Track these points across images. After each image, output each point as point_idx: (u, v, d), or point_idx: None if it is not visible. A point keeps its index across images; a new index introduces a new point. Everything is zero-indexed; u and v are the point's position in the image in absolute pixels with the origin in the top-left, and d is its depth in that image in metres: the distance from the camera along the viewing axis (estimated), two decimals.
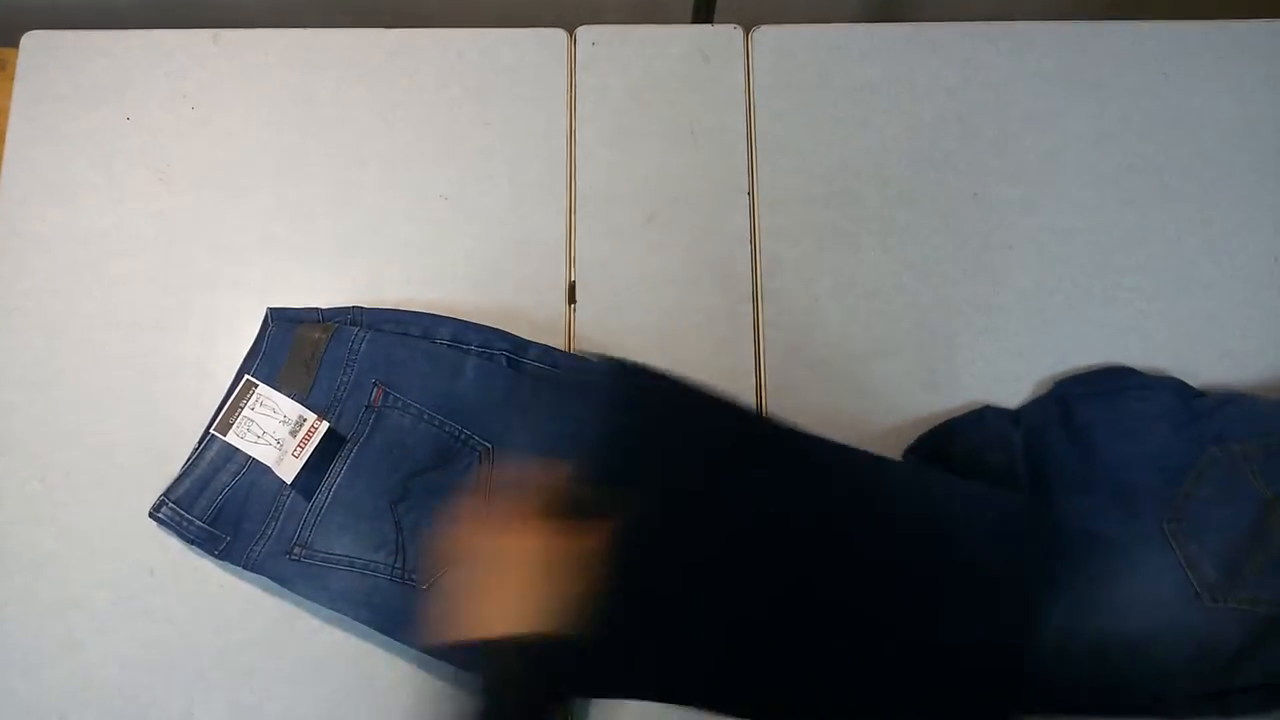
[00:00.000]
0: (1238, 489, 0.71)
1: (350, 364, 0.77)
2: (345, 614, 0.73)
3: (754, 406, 0.77)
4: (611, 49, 0.89)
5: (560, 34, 0.90)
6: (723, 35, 0.90)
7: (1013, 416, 0.77)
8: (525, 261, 0.83)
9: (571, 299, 0.83)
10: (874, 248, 0.84)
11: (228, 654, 0.74)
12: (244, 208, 0.85)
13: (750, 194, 0.86)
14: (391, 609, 0.72)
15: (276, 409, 0.76)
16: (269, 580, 0.73)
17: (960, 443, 0.76)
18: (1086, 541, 0.71)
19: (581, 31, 0.90)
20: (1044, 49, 0.89)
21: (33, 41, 0.89)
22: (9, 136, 0.86)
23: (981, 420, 0.77)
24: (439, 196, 0.85)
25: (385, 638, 0.73)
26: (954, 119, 0.87)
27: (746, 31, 0.90)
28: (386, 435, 0.76)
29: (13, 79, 0.88)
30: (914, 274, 0.83)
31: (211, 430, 0.76)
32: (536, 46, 0.89)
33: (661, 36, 0.90)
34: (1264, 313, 0.83)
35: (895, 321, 0.82)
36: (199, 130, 0.87)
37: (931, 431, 0.77)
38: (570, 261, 0.84)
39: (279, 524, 0.74)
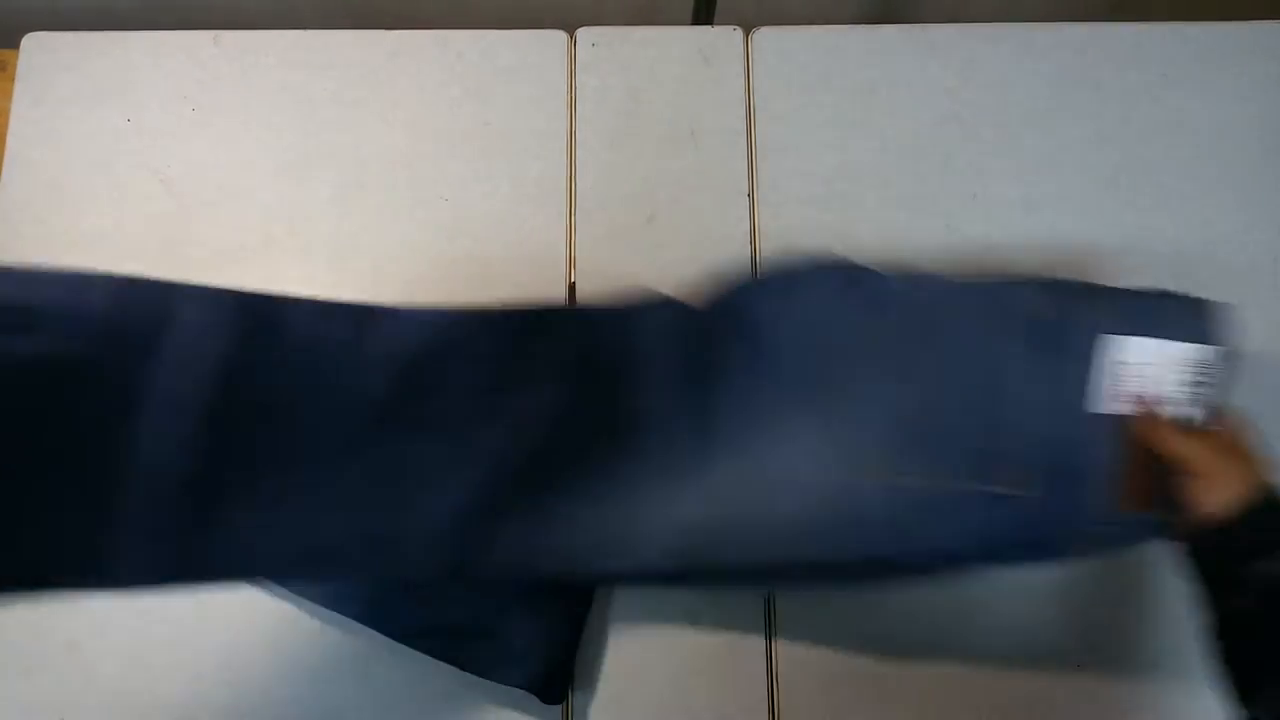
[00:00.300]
0: (891, 364, 0.70)
1: None
2: (345, 614, 0.73)
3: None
4: (611, 50, 0.89)
5: (560, 35, 0.90)
6: (723, 37, 0.90)
7: (680, 304, 0.75)
8: (525, 262, 0.83)
9: (572, 299, 0.83)
10: (874, 248, 0.84)
11: (228, 654, 0.74)
12: (244, 208, 0.85)
13: (750, 195, 0.86)
14: (391, 609, 0.72)
15: None
16: (270, 581, 0.73)
17: (628, 321, 0.74)
18: (745, 419, 0.70)
19: (581, 33, 0.90)
20: (1044, 50, 0.89)
21: (33, 43, 0.89)
22: (9, 138, 0.86)
23: (650, 304, 0.74)
24: (439, 197, 0.85)
25: (385, 638, 0.73)
26: (954, 119, 0.87)
27: (746, 33, 0.90)
28: None
29: (13, 80, 0.88)
30: None
31: None
32: (537, 47, 0.89)
33: (661, 38, 0.90)
34: (1264, 312, 0.82)
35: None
36: (199, 131, 0.87)
37: (598, 309, 0.75)
38: (570, 262, 0.84)
39: None
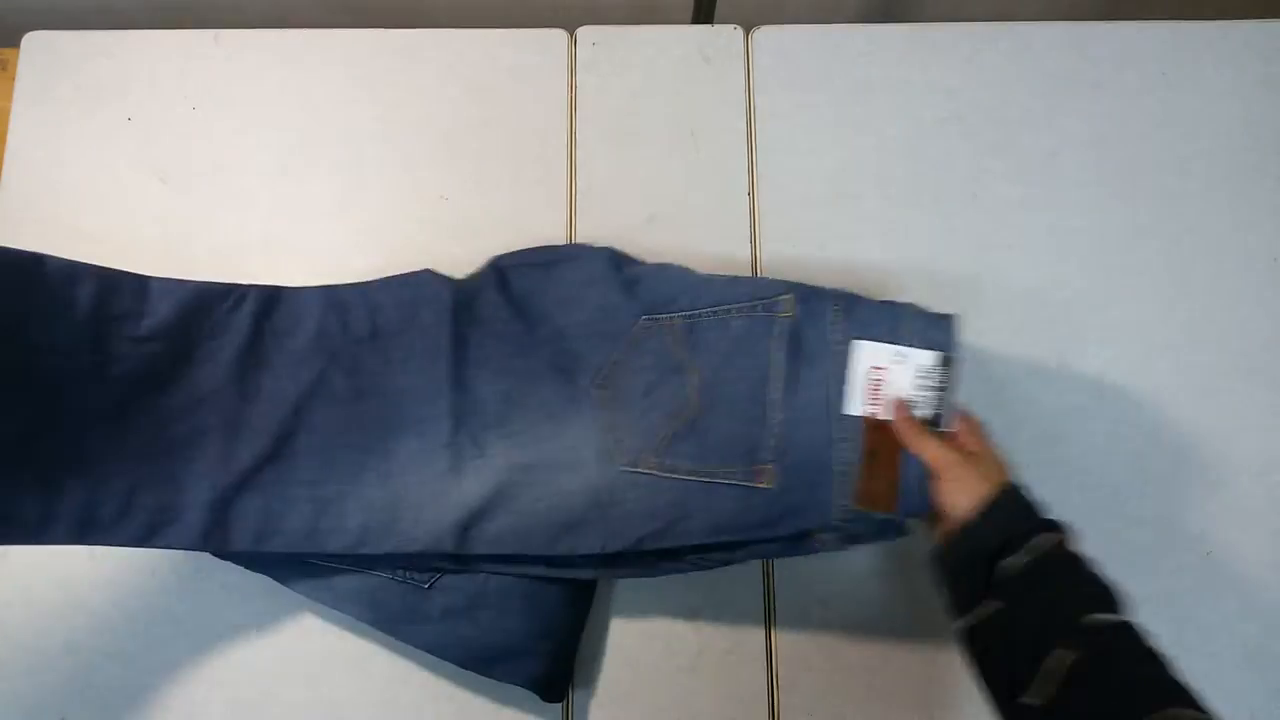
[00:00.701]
0: (662, 358, 0.73)
1: None
2: (347, 613, 0.73)
3: None
4: (612, 50, 0.89)
5: (560, 34, 0.90)
6: (723, 36, 0.90)
7: (449, 281, 0.77)
8: None
9: None
10: (874, 248, 0.84)
11: (228, 654, 0.75)
12: (244, 208, 0.85)
13: (750, 194, 0.86)
14: (393, 608, 0.72)
15: None
16: (270, 580, 0.73)
17: (390, 298, 0.76)
18: (513, 399, 0.73)
19: (582, 32, 0.90)
20: (1044, 49, 0.89)
21: (34, 42, 0.89)
22: (10, 137, 0.86)
23: (415, 281, 0.77)
24: (439, 197, 0.85)
25: (386, 637, 0.73)
26: (954, 119, 0.87)
27: (747, 32, 0.90)
28: None
29: (14, 79, 0.88)
30: (914, 274, 0.83)
31: None
32: (537, 47, 0.89)
33: (662, 37, 0.90)
34: (1264, 313, 0.83)
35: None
36: (200, 130, 0.87)
37: (356, 287, 0.77)
38: None
39: None
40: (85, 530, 0.66)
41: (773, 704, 0.74)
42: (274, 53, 0.89)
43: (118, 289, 0.69)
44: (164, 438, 0.69)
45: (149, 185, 0.85)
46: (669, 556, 0.71)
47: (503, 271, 0.78)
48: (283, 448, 0.71)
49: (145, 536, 0.68)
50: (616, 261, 0.78)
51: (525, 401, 0.73)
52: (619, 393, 0.73)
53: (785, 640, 0.75)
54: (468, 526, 0.70)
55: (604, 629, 0.75)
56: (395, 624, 0.72)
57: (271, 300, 0.74)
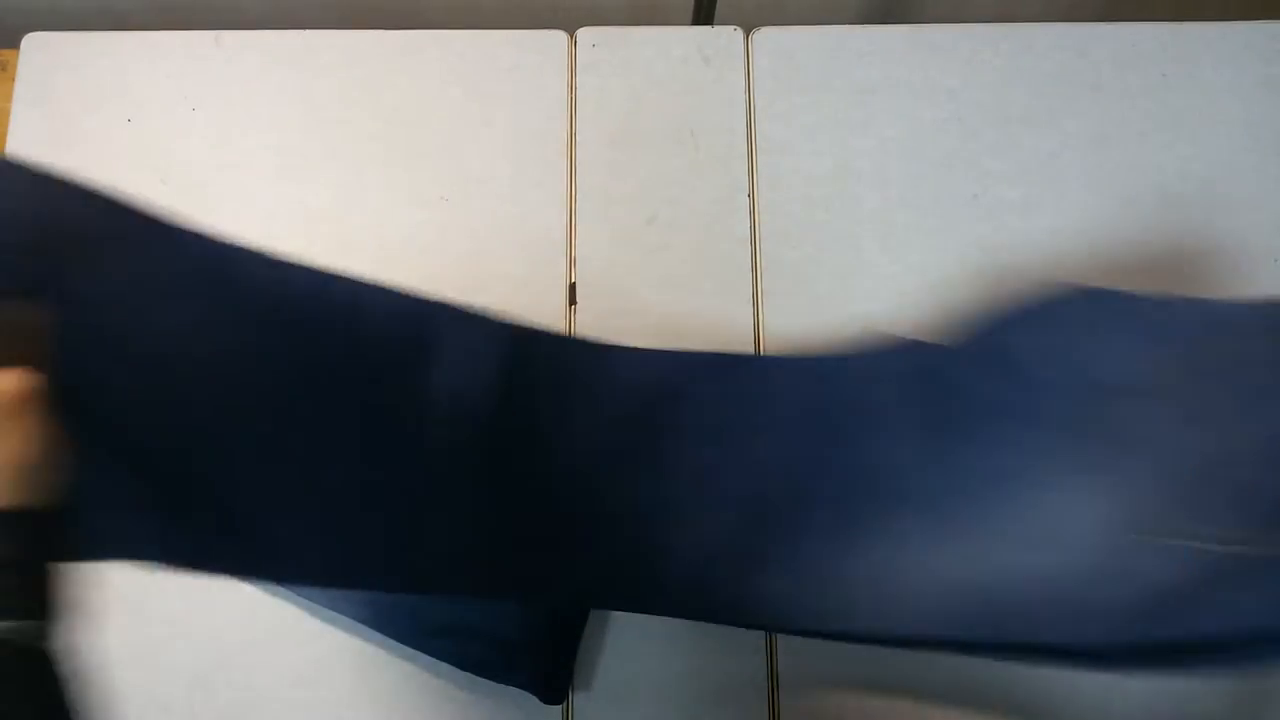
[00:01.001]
0: (1185, 407, 0.59)
1: None
2: (347, 614, 0.73)
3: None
4: (612, 50, 0.89)
5: (560, 35, 0.90)
6: (723, 37, 0.90)
7: (923, 348, 0.69)
8: (525, 262, 0.83)
9: (572, 299, 0.83)
10: (874, 249, 0.84)
11: (228, 654, 0.75)
12: (244, 208, 0.85)
13: (750, 195, 0.86)
14: (392, 610, 0.72)
15: None
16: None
17: (861, 365, 0.69)
18: (1009, 468, 0.62)
19: (582, 33, 0.90)
20: (1044, 49, 0.89)
21: (34, 43, 0.89)
22: (10, 138, 0.86)
23: (887, 348, 0.69)
24: (439, 197, 0.85)
25: (386, 638, 0.73)
26: (954, 119, 0.87)
27: (747, 33, 0.90)
28: None
29: (13, 80, 0.88)
30: (914, 276, 0.83)
31: None
32: (537, 48, 0.89)
33: (662, 38, 0.90)
34: None
35: (895, 324, 0.82)
36: (200, 132, 0.87)
37: (820, 361, 0.70)
38: (570, 262, 0.84)
39: None
40: (580, 595, 0.64)
41: (773, 704, 0.74)
42: (274, 53, 0.89)
43: (571, 352, 0.69)
44: (635, 508, 0.65)
45: (149, 185, 0.85)
46: (1197, 655, 0.57)
47: (975, 332, 0.68)
48: (779, 520, 0.65)
49: (620, 606, 0.67)
50: (1100, 298, 0.65)
51: (1014, 473, 0.62)
52: (1130, 448, 0.60)
53: (785, 640, 0.75)
54: (975, 608, 0.59)
55: (604, 629, 0.75)
56: (394, 626, 0.72)
57: (733, 368, 0.70)
